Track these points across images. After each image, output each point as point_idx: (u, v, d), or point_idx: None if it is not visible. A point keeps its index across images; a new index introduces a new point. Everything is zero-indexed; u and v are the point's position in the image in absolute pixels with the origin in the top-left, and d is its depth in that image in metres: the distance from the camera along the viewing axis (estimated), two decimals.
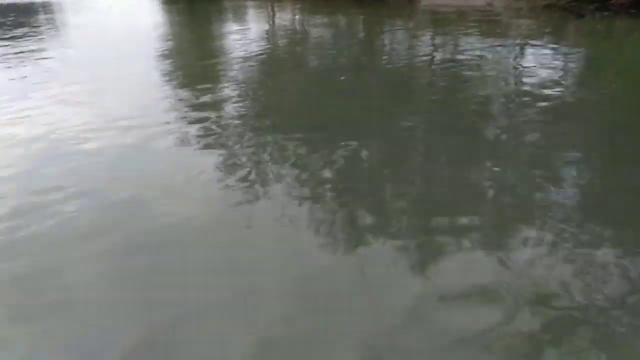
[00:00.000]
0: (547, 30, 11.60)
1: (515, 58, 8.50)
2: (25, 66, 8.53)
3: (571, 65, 7.83)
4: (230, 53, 9.89)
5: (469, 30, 11.26)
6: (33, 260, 2.96)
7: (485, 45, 9.37)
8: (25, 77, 7.86)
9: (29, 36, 12.50)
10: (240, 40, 11.72)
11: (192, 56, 10.32)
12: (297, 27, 15.20)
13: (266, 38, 12.16)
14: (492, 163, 3.96)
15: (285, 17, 17.60)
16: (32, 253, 3.04)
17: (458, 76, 7.11)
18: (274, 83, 7.32)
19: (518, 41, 10.06)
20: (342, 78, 7.23)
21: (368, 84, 6.73)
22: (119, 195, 3.76)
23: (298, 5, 20.54)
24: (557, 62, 7.90)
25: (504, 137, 4.60)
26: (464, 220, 3.06)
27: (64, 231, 3.23)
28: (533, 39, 10.12)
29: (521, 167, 3.91)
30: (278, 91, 6.66)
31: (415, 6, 18.45)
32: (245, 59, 8.88)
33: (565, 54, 8.51)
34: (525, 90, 6.19)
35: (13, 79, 7.75)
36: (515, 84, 6.74)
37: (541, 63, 7.61)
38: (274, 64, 9.04)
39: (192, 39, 13.55)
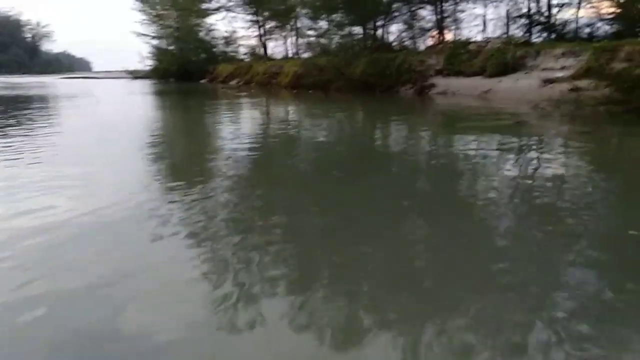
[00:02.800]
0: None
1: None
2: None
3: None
4: (223, 145, 9.70)
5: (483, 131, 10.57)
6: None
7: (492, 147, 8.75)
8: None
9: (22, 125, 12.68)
10: (233, 132, 11.85)
11: (183, 148, 10.07)
12: (295, 122, 15.25)
13: (261, 132, 12.18)
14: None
15: (282, 112, 17.79)
16: None
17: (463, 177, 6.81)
18: (267, 177, 6.96)
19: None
20: (338, 174, 7.01)
21: (369, 183, 6.26)
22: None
23: (298, 101, 20.64)
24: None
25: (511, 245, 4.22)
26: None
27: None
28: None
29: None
30: (271, 186, 6.28)
31: (428, 104, 18.44)
32: (238, 151, 8.60)
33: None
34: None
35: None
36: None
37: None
38: (267, 158, 8.75)
39: (184, 131, 13.47)
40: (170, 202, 5.19)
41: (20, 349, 2.65)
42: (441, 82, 20.69)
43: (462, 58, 20.98)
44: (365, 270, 3.54)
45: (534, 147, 8.99)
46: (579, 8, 24.73)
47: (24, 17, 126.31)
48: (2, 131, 11.47)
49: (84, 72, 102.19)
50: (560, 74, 16.70)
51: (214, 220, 4.66)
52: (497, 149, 8.41)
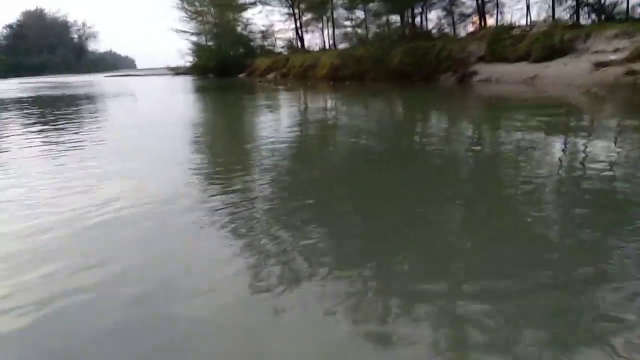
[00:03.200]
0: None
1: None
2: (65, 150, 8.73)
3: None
4: (261, 139, 9.48)
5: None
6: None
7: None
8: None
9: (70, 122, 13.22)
10: (271, 126, 11.60)
11: (223, 141, 10.20)
12: (332, 114, 14.78)
13: (298, 126, 11.74)
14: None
15: (319, 104, 17.34)
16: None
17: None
18: (305, 171, 6.79)
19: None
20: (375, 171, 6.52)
21: (406, 178, 5.89)
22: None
23: (334, 92, 20.05)
24: None
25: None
26: None
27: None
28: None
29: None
30: (309, 180, 6.15)
31: (469, 92, 17.60)
32: (276, 145, 8.36)
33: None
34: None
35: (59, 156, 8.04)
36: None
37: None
38: (305, 150, 8.60)
39: (222, 124, 13.54)
40: (213, 194, 5.27)
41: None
42: (484, 69, 19.72)
43: (505, 43, 19.95)
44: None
45: (590, 143, 7.88)
46: None
47: (70, 19, 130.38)
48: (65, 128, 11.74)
49: (128, 70, 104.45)
50: (613, 57, 15.55)
51: (258, 213, 4.65)
52: (543, 144, 7.63)
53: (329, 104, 17.63)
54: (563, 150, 7.03)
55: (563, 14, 26.94)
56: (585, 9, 25.87)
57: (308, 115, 14.08)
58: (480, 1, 27.07)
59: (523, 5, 27.63)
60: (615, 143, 7.25)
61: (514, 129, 8.93)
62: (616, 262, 3.21)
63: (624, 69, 14.49)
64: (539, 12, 26.44)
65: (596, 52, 16.99)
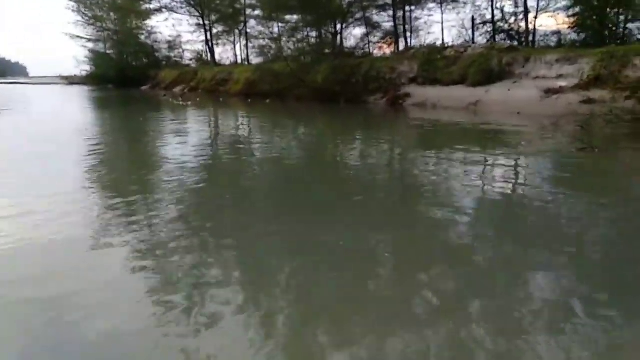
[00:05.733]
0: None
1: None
2: None
3: None
4: (166, 158, 8.27)
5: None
6: None
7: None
8: None
9: None
10: (178, 144, 9.97)
11: (124, 159, 8.78)
12: (246, 134, 12.35)
13: (208, 144, 10.23)
14: None
15: (235, 127, 14.08)
16: None
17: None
18: (212, 192, 6.06)
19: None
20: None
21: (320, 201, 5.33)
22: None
23: (253, 112, 16.96)
24: None
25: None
26: None
27: None
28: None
29: None
30: (216, 200, 5.58)
31: (402, 116, 15.31)
32: (182, 165, 7.40)
33: None
34: None
35: None
36: None
37: None
38: (213, 171, 7.45)
39: (125, 141, 11.21)
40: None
41: None
42: (417, 92, 17.61)
43: (438, 65, 18.02)
44: None
45: None
46: (536, 17, 22.68)
47: None
48: None
49: (16, 77, 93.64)
50: (563, 84, 13.95)
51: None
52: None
53: (247, 128, 14.46)
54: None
55: (479, 38, 26.26)
56: (502, 34, 25.23)
57: (220, 141, 10.88)
58: (395, 22, 25.58)
59: (437, 29, 26.42)
60: None
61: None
62: None
63: (579, 97, 12.84)
64: (457, 36, 25.40)
65: (537, 77, 15.43)
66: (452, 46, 19.25)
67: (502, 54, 16.81)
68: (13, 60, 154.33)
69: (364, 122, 14.55)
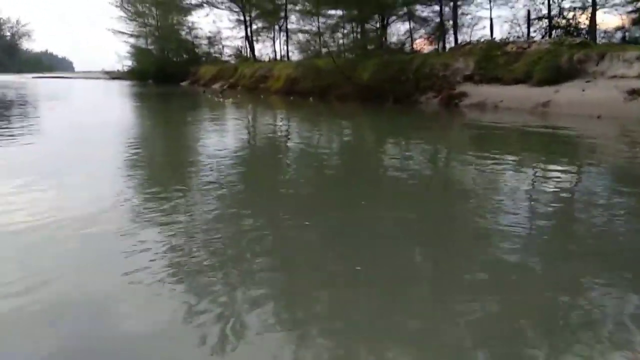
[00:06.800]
0: None
1: None
2: None
3: None
4: (204, 155, 7.66)
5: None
6: None
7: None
8: None
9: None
10: (215, 142, 9.20)
11: (164, 159, 7.98)
12: (289, 136, 11.00)
13: (247, 147, 9.23)
14: None
15: (273, 124, 12.90)
16: None
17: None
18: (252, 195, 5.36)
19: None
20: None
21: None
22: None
23: (294, 113, 15.66)
24: None
25: None
26: None
27: None
28: None
29: None
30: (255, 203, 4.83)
31: (459, 119, 13.75)
32: (220, 168, 6.59)
33: None
34: None
35: None
36: None
37: None
38: (251, 173, 6.70)
39: (165, 141, 10.23)
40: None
41: None
42: (474, 91, 16.01)
43: (498, 61, 16.38)
44: None
45: None
46: (594, 13, 20.58)
47: (2, 15, 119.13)
48: None
49: (62, 72, 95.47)
50: None
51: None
52: None
53: (289, 129, 13.16)
54: None
55: (534, 34, 24.24)
56: (558, 31, 23.21)
57: (264, 147, 9.64)
58: (442, 17, 23.81)
59: (485, 24, 24.47)
60: None
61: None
62: None
63: None
64: (504, 34, 23.43)
65: (614, 77, 13.64)
66: (514, 41, 17.50)
67: (573, 50, 15.05)
68: (60, 56, 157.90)
69: (415, 124, 13.06)
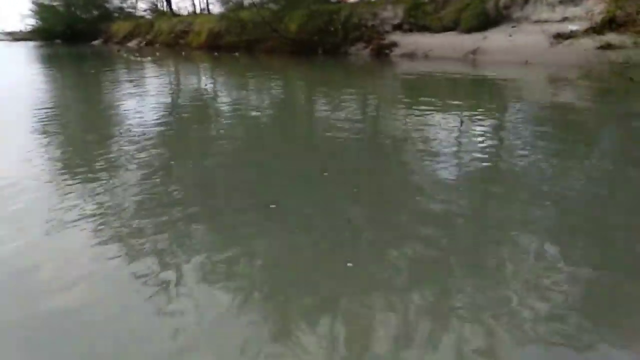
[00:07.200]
0: None
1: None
2: None
3: None
4: (125, 122, 6.62)
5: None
6: None
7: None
8: None
9: None
10: (136, 106, 7.94)
11: (80, 124, 6.97)
12: (212, 91, 10.33)
13: (170, 106, 8.22)
14: None
15: (195, 80, 11.67)
16: None
17: None
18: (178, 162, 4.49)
19: None
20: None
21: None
22: None
23: (221, 70, 14.35)
24: None
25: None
26: None
27: None
28: None
29: None
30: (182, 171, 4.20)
31: (390, 68, 13.13)
32: (143, 129, 5.92)
33: None
34: None
35: None
36: None
37: None
38: (177, 136, 5.86)
39: (78, 102, 9.14)
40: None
41: None
42: (404, 40, 15.72)
43: (426, 9, 16.11)
44: None
45: None
46: None
47: None
48: None
49: None
50: (574, 27, 12.32)
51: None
52: None
53: (220, 88, 12.25)
54: None
55: None
56: None
57: (182, 95, 8.81)
58: None
59: None
60: None
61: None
62: None
63: (594, 42, 11.29)
64: None
65: (538, 21, 13.78)
66: None
67: None
68: None
69: (345, 76, 12.60)
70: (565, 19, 13.19)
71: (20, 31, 46.75)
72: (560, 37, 12.13)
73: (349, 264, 2.48)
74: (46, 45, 36.21)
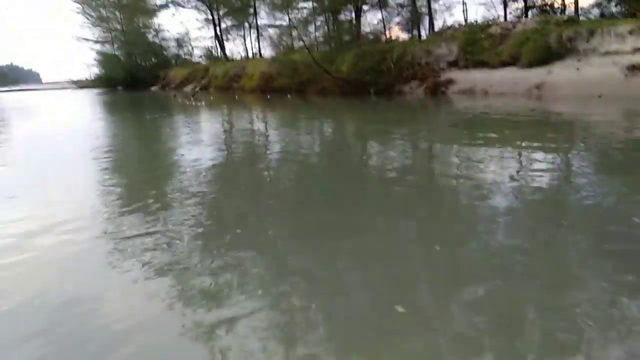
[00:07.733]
0: None
1: None
2: None
3: None
4: (181, 162, 6.95)
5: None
6: None
7: None
8: None
9: None
10: (191, 149, 8.23)
11: (140, 166, 7.36)
12: (265, 134, 10.25)
13: (226, 153, 8.17)
14: None
15: (250, 127, 11.60)
16: None
17: None
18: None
19: None
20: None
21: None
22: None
23: (269, 109, 14.36)
24: None
25: None
26: None
27: None
28: None
29: None
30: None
31: (448, 106, 12.68)
32: (198, 176, 5.79)
33: None
34: None
35: None
36: None
37: None
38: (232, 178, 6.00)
39: (140, 148, 9.42)
40: None
41: None
42: (461, 77, 15.11)
43: (483, 45, 15.49)
44: None
45: None
46: None
47: None
48: None
49: (29, 84, 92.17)
50: None
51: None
52: None
53: (269, 132, 11.94)
54: None
55: (510, 16, 23.50)
56: (534, 10, 22.53)
57: (242, 154, 8.45)
58: (415, 4, 22.81)
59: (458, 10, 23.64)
60: None
61: None
62: None
63: None
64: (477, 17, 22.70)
65: (607, 53, 12.86)
66: (497, 23, 16.63)
67: (561, 28, 14.23)
68: (26, 68, 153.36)
69: (403, 117, 12.02)
70: (637, 50, 12.25)
71: (85, 79, 49.29)
72: (635, 68, 11.18)
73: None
74: (108, 92, 37.88)
